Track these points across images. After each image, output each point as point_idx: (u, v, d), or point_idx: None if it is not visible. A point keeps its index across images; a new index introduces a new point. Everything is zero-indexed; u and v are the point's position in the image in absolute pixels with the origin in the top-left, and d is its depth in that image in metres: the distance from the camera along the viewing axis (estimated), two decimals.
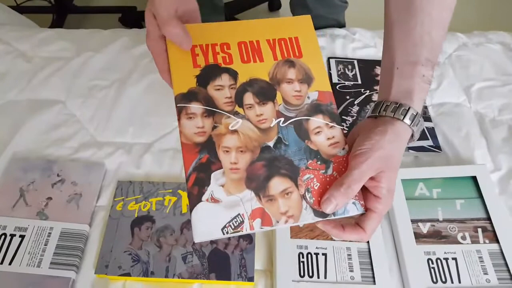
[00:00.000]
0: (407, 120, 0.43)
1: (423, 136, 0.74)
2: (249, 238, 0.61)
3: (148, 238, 0.61)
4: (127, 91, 0.81)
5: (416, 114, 0.43)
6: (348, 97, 0.81)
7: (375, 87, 0.82)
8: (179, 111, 0.44)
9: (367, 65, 0.87)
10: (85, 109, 0.78)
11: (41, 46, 0.89)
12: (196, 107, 0.44)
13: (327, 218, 0.41)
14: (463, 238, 0.61)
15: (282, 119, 0.45)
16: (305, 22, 0.52)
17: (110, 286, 0.58)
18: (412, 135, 0.45)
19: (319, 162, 0.43)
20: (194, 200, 0.41)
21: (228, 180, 0.41)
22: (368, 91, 0.82)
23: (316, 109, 0.45)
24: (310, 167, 0.43)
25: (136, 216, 0.64)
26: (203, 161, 0.42)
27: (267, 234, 0.63)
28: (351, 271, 0.58)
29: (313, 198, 0.41)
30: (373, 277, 0.57)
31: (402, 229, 0.62)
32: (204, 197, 0.41)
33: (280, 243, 0.60)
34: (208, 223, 0.40)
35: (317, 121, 0.45)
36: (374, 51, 0.90)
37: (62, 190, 0.66)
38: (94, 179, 0.68)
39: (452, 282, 0.57)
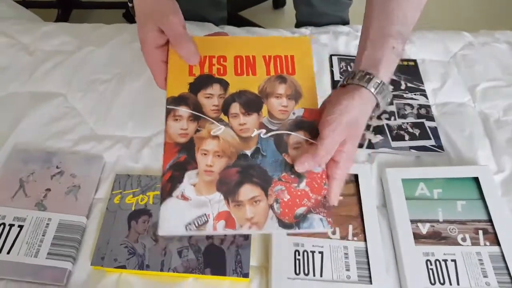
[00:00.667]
0: (371, 88, 0.46)
1: (425, 136, 0.73)
2: (246, 235, 0.61)
3: (145, 232, 0.61)
4: (127, 85, 0.81)
5: (380, 83, 0.47)
6: None
7: None
8: (168, 112, 0.48)
9: None
10: (85, 102, 0.78)
11: (44, 40, 0.90)
12: (183, 111, 0.48)
13: (291, 231, 0.43)
14: (463, 239, 0.60)
15: (264, 130, 0.47)
16: (304, 42, 0.54)
17: (105, 278, 0.58)
18: (378, 105, 0.48)
19: (292, 176, 0.45)
20: (165, 195, 0.43)
21: (200, 181, 0.44)
22: None
23: (299, 125, 0.48)
24: (283, 179, 0.45)
25: (133, 209, 0.64)
26: (181, 160, 0.45)
27: None
28: (348, 270, 0.57)
29: (281, 209, 0.43)
30: (370, 277, 0.57)
31: (401, 229, 0.61)
32: (174, 194, 0.44)
33: (276, 240, 0.59)
34: (174, 218, 0.42)
35: (298, 136, 0.47)
36: None
37: (61, 182, 0.66)
38: (93, 171, 0.68)
39: (451, 284, 0.56)
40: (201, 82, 0.50)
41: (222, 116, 0.48)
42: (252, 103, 0.48)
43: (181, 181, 0.44)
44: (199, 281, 0.58)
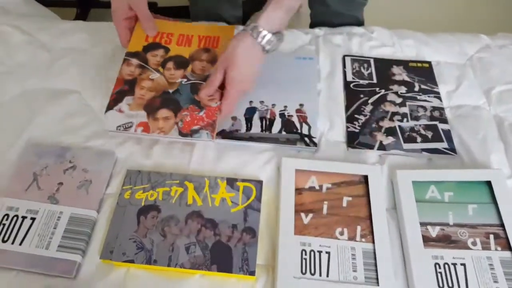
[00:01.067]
0: (248, 30, 0.67)
1: (438, 138, 0.72)
2: (253, 233, 0.61)
3: (153, 227, 0.62)
4: None
5: (255, 26, 0.66)
6: (362, 96, 0.79)
7: (391, 87, 0.81)
8: (124, 61, 0.75)
9: (383, 64, 0.85)
10: (99, 99, 0.80)
11: (61, 37, 0.91)
12: (134, 60, 0.75)
13: (185, 139, 0.69)
14: (474, 243, 0.59)
15: (185, 80, 0.73)
16: (229, 29, 0.84)
17: (114, 272, 0.59)
18: (261, 45, 0.67)
19: (196, 107, 0.71)
20: (109, 108, 0.70)
21: (133, 103, 0.70)
22: (383, 90, 0.80)
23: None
24: (189, 109, 0.70)
25: (143, 204, 0.64)
26: (124, 89, 0.71)
27: (270, 230, 0.63)
28: (354, 271, 0.57)
29: (182, 125, 0.69)
30: (377, 279, 0.56)
31: (410, 232, 0.60)
32: (115, 108, 0.70)
33: (283, 239, 0.59)
34: (111, 122, 0.69)
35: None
36: (392, 51, 0.88)
37: (73, 176, 0.68)
38: (104, 167, 0.69)
39: None
40: (151, 46, 0.77)
41: (160, 69, 0.74)
42: (182, 62, 0.75)
43: (121, 101, 0.70)
44: (205, 278, 0.59)
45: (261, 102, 0.76)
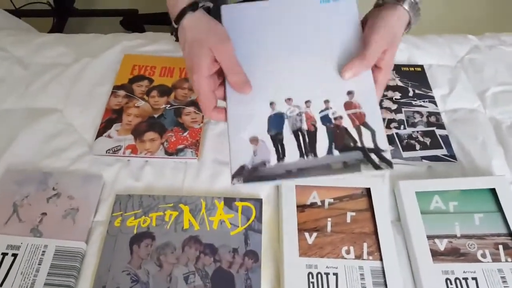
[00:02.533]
0: (406, 6, 0.54)
1: (436, 145, 0.71)
2: (255, 257, 0.58)
3: (148, 256, 0.58)
4: None
5: (413, 2, 0.54)
6: None
7: (385, 93, 0.79)
8: (112, 93, 0.77)
9: None
10: (83, 118, 0.75)
11: (39, 52, 0.86)
12: (121, 92, 0.78)
13: (171, 157, 0.68)
14: (483, 255, 0.57)
15: (169, 105, 0.75)
16: None
17: None
18: (409, 23, 0.56)
19: (180, 128, 0.72)
20: (99, 135, 0.71)
21: (121, 128, 0.72)
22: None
23: (191, 103, 0.75)
24: (173, 130, 0.71)
25: (135, 232, 0.60)
26: (113, 117, 0.74)
27: (274, 252, 0.60)
28: None
29: (168, 145, 0.70)
30: None
31: (418, 246, 0.58)
32: (104, 134, 0.71)
33: (288, 262, 0.56)
34: (101, 147, 0.69)
35: (189, 109, 0.75)
36: None
37: (57, 204, 0.63)
38: (91, 192, 0.65)
39: None
40: (136, 78, 0.80)
41: (145, 97, 0.77)
42: (165, 91, 0.78)
43: (110, 128, 0.72)
44: None
45: (288, 100, 0.53)
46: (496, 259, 0.57)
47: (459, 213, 0.61)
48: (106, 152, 0.69)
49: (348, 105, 0.52)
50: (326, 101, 0.53)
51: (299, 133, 0.51)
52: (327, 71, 0.53)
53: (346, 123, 0.51)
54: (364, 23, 0.57)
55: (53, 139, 0.72)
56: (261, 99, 0.53)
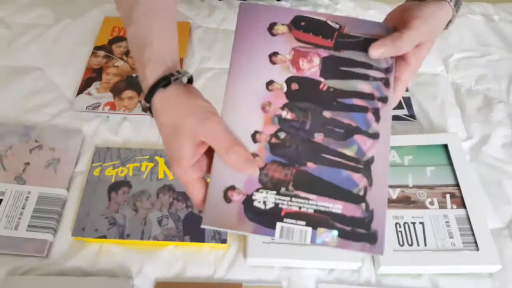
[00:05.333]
0: (452, 3, 0.47)
1: (398, 106, 0.75)
2: None
3: (125, 202, 0.63)
4: None
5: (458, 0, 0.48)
6: None
7: None
8: (92, 53, 0.80)
9: None
10: (63, 76, 0.78)
11: (21, 12, 0.88)
12: (101, 52, 0.80)
13: (148, 114, 0.45)
14: (431, 203, 0.63)
15: None
16: (184, 25, 0.87)
17: (86, 248, 0.60)
18: (451, 20, 0.48)
19: None
20: (79, 92, 0.74)
21: (101, 87, 0.75)
22: None
23: None
24: None
25: (113, 181, 0.65)
26: (92, 76, 0.77)
27: None
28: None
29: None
30: None
31: None
32: (84, 92, 0.74)
33: None
34: (81, 103, 0.72)
35: None
36: None
37: (40, 155, 0.67)
38: (72, 145, 0.68)
39: (418, 245, 0.59)
40: (116, 39, 0.82)
41: (124, 57, 0.80)
42: None
43: (90, 86, 0.75)
44: (178, 248, 0.60)
45: None
46: (443, 206, 0.63)
47: (413, 166, 0.66)
48: (86, 109, 0.72)
49: None
50: None
51: None
52: None
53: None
54: (396, 13, 0.48)
55: (34, 96, 0.75)
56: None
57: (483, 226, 0.60)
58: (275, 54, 0.45)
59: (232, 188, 0.40)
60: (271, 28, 0.46)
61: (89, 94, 0.74)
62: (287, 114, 0.43)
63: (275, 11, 0.47)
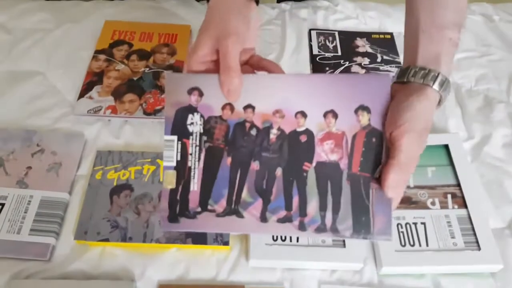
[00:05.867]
0: (436, 87, 0.43)
1: None
2: None
3: (127, 205, 0.63)
4: None
5: (446, 80, 0.44)
6: (327, 69, 0.81)
7: (355, 59, 0.83)
8: (93, 57, 0.81)
9: (347, 37, 0.87)
10: (65, 80, 0.78)
11: (21, 17, 0.89)
12: (102, 56, 0.81)
13: (150, 117, 0.70)
14: (433, 203, 0.63)
15: (148, 69, 0.79)
16: (185, 27, 0.87)
17: (89, 251, 0.60)
18: (439, 101, 0.45)
19: (158, 90, 0.76)
20: (80, 96, 0.74)
21: (102, 90, 0.76)
22: (347, 62, 0.82)
23: (169, 67, 0.80)
24: (152, 92, 0.75)
25: (115, 184, 0.65)
26: (93, 80, 0.77)
27: None
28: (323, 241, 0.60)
29: (146, 106, 0.73)
30: (343, 241, 0.59)
31: None
32: (86, 96, 0.74)
33: None
34: (83, 107, 0.73)
35: (167, 72, 0.78)
36: (356, 23, 0.90)
37: (42, 159, 0.67)
38: (74, 149, 0.69)
39: (420, 246, 0.60)
40: (116, 42, 0.83)
41: (125, 61, 0.80)
42: (144, 55, 0.81)
43: (91, 90, 0.75)
44: (181, 251, 0.61)
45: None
46: (444, 206, 0.63)
47: None
48: (88, 112, 0.73)
49: None
50: None
51: None
52: None
53: None
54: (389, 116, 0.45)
55: (36, 100, 0.75)
56: None
57: (485, 226, 0.60)
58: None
59: (200, 93, 0.46)
60: None
61: (90, 98, 0.74)
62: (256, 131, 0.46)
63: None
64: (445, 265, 0.58)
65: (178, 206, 0.45)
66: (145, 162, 0.67)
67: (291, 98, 0.45)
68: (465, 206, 0.62)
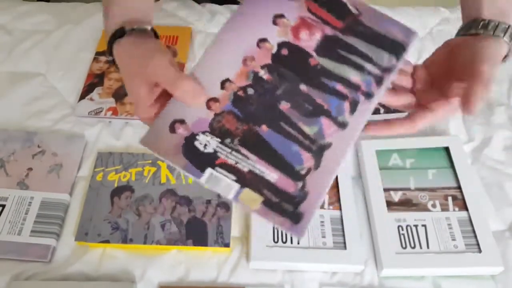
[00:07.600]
0: (507, 38, 0.44)
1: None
2: (227, 207, 0.63)
3: (128, 207, 0.63)
4: None
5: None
6: None
7: None
8: (94, 58, 0.81)
9: None
10: (65, 81, 0.78)
11: (22, 19, 0.89)
12: (102, 57, 0.81)
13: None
14: (433, 206, 0.63)
15: None
16: (186, 29, 0.87)
17: (90, 253, 0.60)
18: (506, 56, 0.46)
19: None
20: (81, 98, 0.74)
21: (103, 92, 0.76)
22: None
23: None
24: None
25: (116, 186, 0.65)
26: (94, 82, 0.77)
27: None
28: (324, 237, 0.60)
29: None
30: (344, 243, 0.59)
31: (374, 197, 0.63)
32: (87, 97, 0.74)
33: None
34: (83, 108, 0.73)
35: None
36: None
37: (42, 160, 0.67)
38: (74, 150, 0.69)
39: (421, 248, 0.60)
40: None
41: None
42: None
43: (92, 91, 0.76)
44: (182, 252, 0.61)
45: None
46: (444, 208, 0.63)
47: (415, 168, 0.67)
48: (88, 114, 0.73)
49: None
50: None
51: None
52: None
53: None
54: (444, 53, 0.48)
55: (36, 101, 0.75)
56: None
57: (485, 228, 0.60)
58: (281, 16, 0.45)
59: (181, 121, 0.41)
60: None
61: (91, 99, 0.74)
62: (264, 74, 0.43)
63: None
64: (445, 267, 0.58)
65: (284, 204, 0.39)
66: (146, 163, 0.67)
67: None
68: (466, 209, 0.62)
